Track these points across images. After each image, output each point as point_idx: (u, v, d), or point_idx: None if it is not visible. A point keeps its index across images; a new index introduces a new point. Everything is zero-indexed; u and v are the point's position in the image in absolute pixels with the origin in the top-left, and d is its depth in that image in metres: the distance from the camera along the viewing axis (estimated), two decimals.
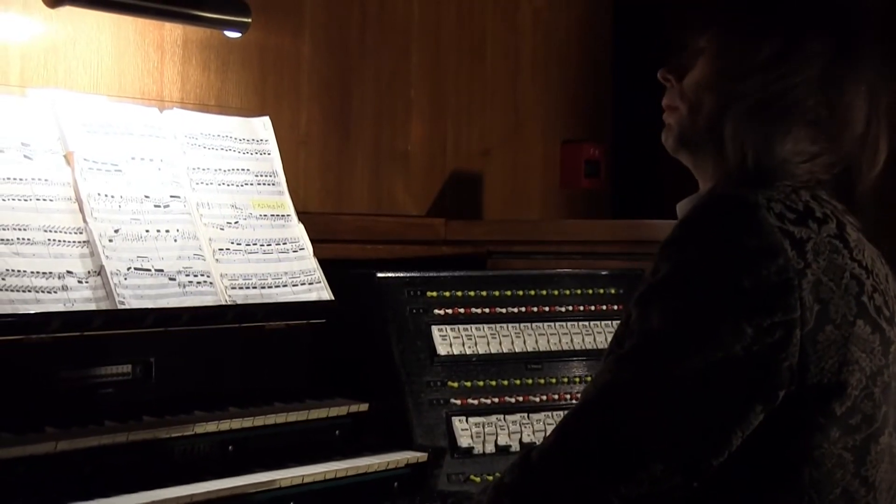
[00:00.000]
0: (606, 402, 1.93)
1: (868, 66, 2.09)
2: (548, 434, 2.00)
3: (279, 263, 3.05)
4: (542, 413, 3.23)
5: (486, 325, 3.27)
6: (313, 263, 3.12)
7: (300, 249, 3.11)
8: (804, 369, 1.89)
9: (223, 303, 2.88)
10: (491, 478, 3.10)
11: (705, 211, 1.98)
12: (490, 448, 3.15)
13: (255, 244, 3.03)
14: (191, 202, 2.95)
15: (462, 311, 3.25)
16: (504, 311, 3.32)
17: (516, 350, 3.28)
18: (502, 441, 3.16)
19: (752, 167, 2.04)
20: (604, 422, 1.92)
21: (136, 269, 2.75)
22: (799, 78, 2.04)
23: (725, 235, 1.93)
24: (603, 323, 3.41)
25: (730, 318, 1.87)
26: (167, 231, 2.86)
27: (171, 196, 2.92)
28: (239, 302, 2.91)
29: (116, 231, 2.76)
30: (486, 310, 3.29)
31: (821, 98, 2.05)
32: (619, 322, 2.03)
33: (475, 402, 3.18)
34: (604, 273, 3.50)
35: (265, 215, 3.09)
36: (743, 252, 1.90)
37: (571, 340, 3.34)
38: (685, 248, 1.95)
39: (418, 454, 3.02)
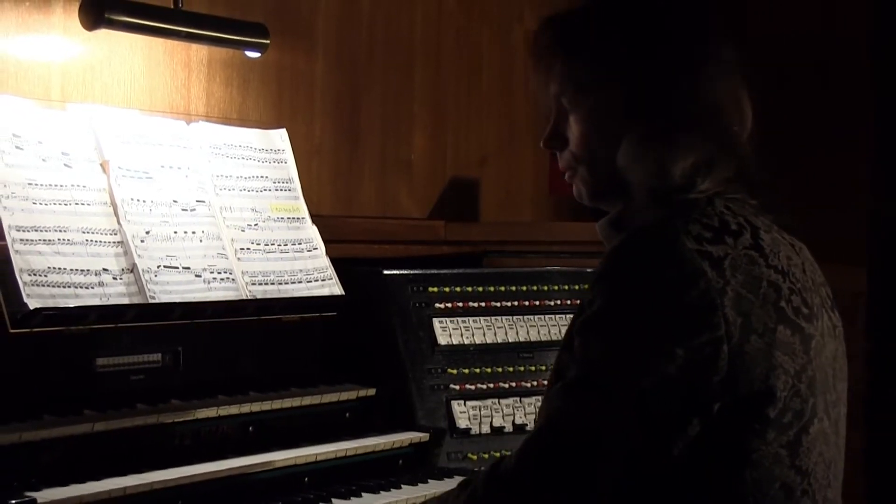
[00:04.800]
0: (558, 429, 1.91)
1: (727, 64, 2.05)
2: (512, 453, 1.97)
3: (295, 262, 3.06)
4: (533, 397, 3.24)
5: (482, 318, 3.27)
6: (325, 262, 3.12)
7: (314, 249, 3.12)
8: (735, 381, 1.86)
9: (244, 297, 2.89)
10: (486, 456, 3.11)
11: (629, 245, 1.95)
12: (486, 429, 3.16)
13: (272, 244, 3.03)
14: (215, 206, 2.95)
15: (460, 305, 3.26)
16: (499, 305, 3.32)
17: (510, 340, 3.29)
18: (497, 423, 3.17)
19: (658, 192, 2.02)
20: (556, 447, 1.90)
21: (165, 266, 2.76)
22: (667, 96, 2.01)
23: (649, 267, 1.90)
24: None
25: (662, 344, 1.85)
26: (193, 232, 2.87)
27: (197, 201, 2.92)
28: (258, 297, 2.92)
29: (147, 232, 2.77)
30: (483, 304, 3.30)
31: (695, 107, 2.01)
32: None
33: (472, 387, 3.18)
34: (589, 270, 3.49)
35: (282, 218, 3.09)
36: (666, 281, 1.88)
37: (560, 331, 3.34)
38: (615, 282, 1.92)
39: (421, 434, 3.03)
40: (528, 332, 3.32)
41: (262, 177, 3.10)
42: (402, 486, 2.83)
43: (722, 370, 1.86)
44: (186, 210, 2.88)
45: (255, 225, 3.02)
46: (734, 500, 1.89)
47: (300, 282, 3.03)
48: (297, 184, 3.17)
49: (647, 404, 1.85)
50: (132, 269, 2.69)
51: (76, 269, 2.59)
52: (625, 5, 2.10)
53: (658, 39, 2.04)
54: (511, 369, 3.25)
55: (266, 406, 2.83)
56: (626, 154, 2.04)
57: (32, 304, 2.45)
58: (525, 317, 3.33)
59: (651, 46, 2.03)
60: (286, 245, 3.06)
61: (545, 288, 3.40)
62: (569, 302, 3.41)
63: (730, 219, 1.97)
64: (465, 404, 3.14)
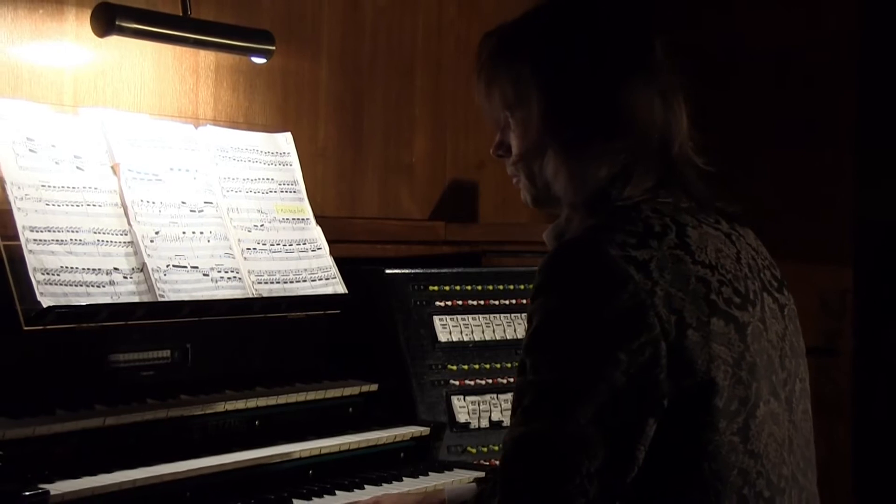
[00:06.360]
0: (526, 455, 1.91)
1: (653, 72, 2.05)
2: (494, 490, 1.97)
3: (299, 261, 3.06)
4: None
5: (481, 316, 3.28)
6: (329, 261, 3.12)
7: (318, 249, 3.12)
8: (679, 375, 1.87)
9: (251, 296, 2.89)
10: (486, 450, 3.12)
11: (557, 259, 1.96)
12: (485, 423, 3.16)
13: (278, 244, 3.04)
14: (222, 207, 2.96)
15: (460, 302, 3.26)
16: (497, 303, 3.32)
17: (507, 337, 3.29)
18: (495, 417, 3.17)
19: (577, 202, 2.05)
20: (527, 473, 1.90)
21: (174, 266, 2.76)
22: (578, 110, 2.03)
23: (578, 279, 1.91)
24: None
25: (604, 352, 1.86)
26: (201, 233, 2.87)
27: (205, 202, 2.93)
28: (264, 295, 2.92)
29: (157, 233, 2.77)
30: (481, 302, 3.30)
31: (606, 119, 2.02)
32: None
33: (471, 382, 3.19)
34: None
35: (287, 219, 3.10)
36: (596, 290, 1.89)
37: None
38: (548, 297, 1.93)
39: (421, 428, 3.03)
40: (525, 330, 3.31)
41: (267, 179, 3.11)
42: (404, 478, 2.83)
43: (665, 367, 1.87)
44: (194, 211, 2.89)
45: (262, 225, 3.03)
46: (696, 492, 1.90)
47: (305, 280, 3.04)
48: (301, 185, 3.17)
49: (604, 415, 1.86)
50: (142, 268, 2.70)
51: (88, 269, 2.60)
52: (546, 20, 2.10)
53: (572, 55, 2.05)
54: (509, 365, 3.26)
55: (272, 401, 2.84)
56: (547, 166, 2.08)
57: (45, 302, 2.46)
58: (522, 314, 3.33)
59: (565, 62, 2.05)
60: (291, 245, 3.07)
61: None
62: None
63: (654, 222, 1.97)
64: (464, 399, 3.15)
